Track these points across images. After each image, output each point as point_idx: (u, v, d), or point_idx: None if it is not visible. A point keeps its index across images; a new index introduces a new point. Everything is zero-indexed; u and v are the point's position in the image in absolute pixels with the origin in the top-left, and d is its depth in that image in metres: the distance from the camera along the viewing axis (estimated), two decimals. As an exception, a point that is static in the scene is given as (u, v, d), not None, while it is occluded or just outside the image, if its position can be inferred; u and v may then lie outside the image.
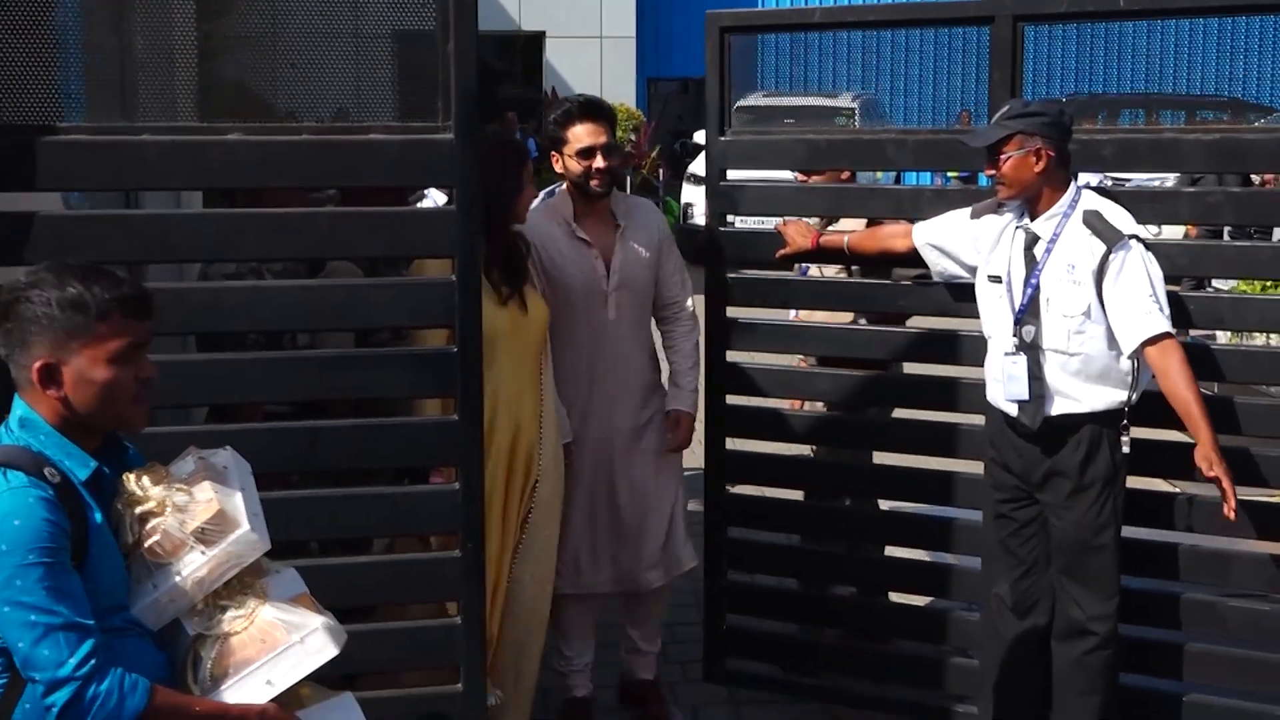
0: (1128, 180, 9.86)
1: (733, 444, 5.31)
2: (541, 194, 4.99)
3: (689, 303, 5.10)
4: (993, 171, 4.39)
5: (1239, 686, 4.70)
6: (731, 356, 5.25)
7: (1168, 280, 4.34)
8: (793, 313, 5.71)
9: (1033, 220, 4.41)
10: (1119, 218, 4.32)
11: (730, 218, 5.26)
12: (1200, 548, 4.69)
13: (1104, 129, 4.94)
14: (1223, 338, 7.32)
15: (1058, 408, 4.35)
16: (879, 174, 8.74)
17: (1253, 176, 11.53)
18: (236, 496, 2.76)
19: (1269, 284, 7.60)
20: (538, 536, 4.58)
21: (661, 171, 22.76)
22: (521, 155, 4.65)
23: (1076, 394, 4.34)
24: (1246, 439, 4.58)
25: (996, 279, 4.47)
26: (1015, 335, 4.38)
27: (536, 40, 26.32)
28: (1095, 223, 4.29)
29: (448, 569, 3.88)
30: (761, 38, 4.92)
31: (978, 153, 4.51)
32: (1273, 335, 6.61)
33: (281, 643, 2.69)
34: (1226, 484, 4.09)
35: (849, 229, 5.21)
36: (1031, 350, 4.35)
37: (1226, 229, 11.67)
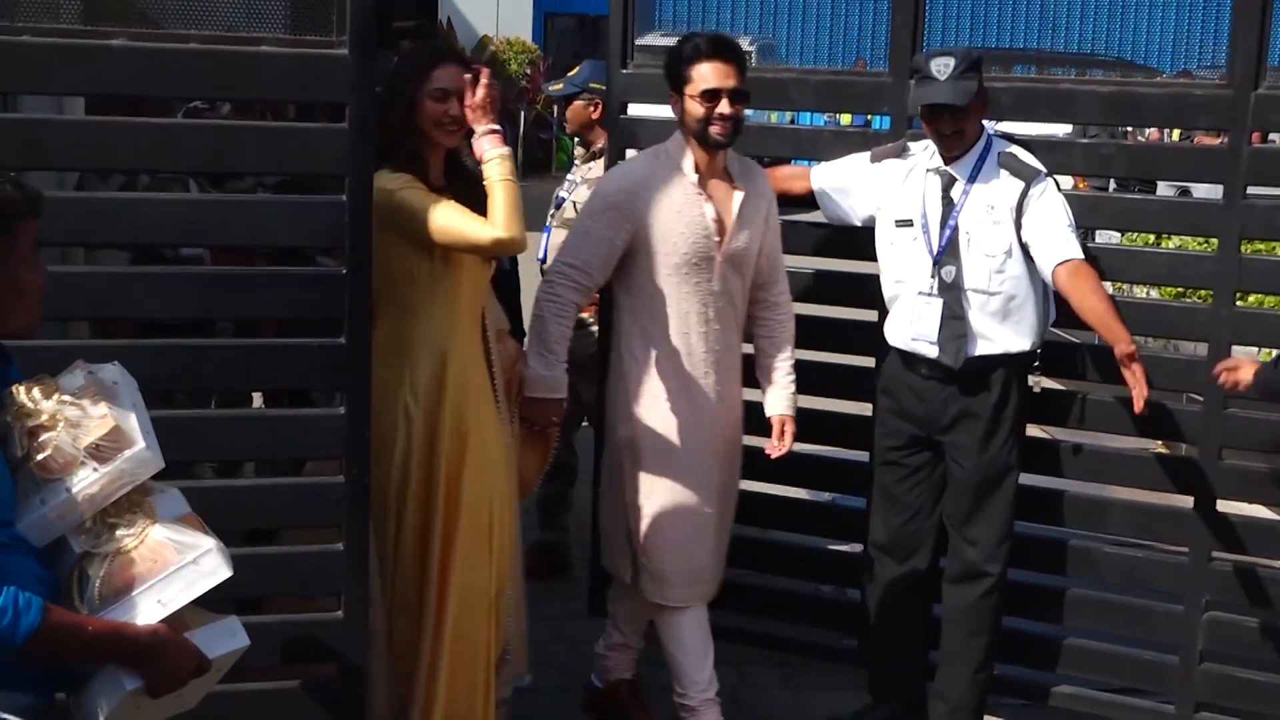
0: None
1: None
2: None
3: (787, 287, 4.65)
4: (956, 128, 4.37)
5: (1111, 630, 4.79)
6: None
7: None
8: None
9: (947, 163, 4.41)
10: (1031, 158, 4.37)
11: (630, 152, 5.19)
12: (1079, 495, 4.76)
13: (1003, 77, 4.94)
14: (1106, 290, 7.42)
15: (978, 349, 4.38)
16: (773, 115, 8.72)
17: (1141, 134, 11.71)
18: (130, 414, 2.68)
19: (1151, 238, 7.71)
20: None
21: (556, 108, 22.58)
22: (436, 54, 4.18)
23: (994, 335, 4.38)
24: (1122, 388, 4.63)
25: (907, 222, 4.47)
26: (933, 276, 4.39)
27: (433, -31, 25.92)
28: (1011, 163, 4.35)
29: (331, 494, 3.79)
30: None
31: (873, 93, 4.52)
32: (1153, 288, 6.72)
33: (173, 563, 2.61)
34: (1141, 381, 4.17)
35: None
36: (952, 291, 4.37)
37: (1112, 183, 11.88)
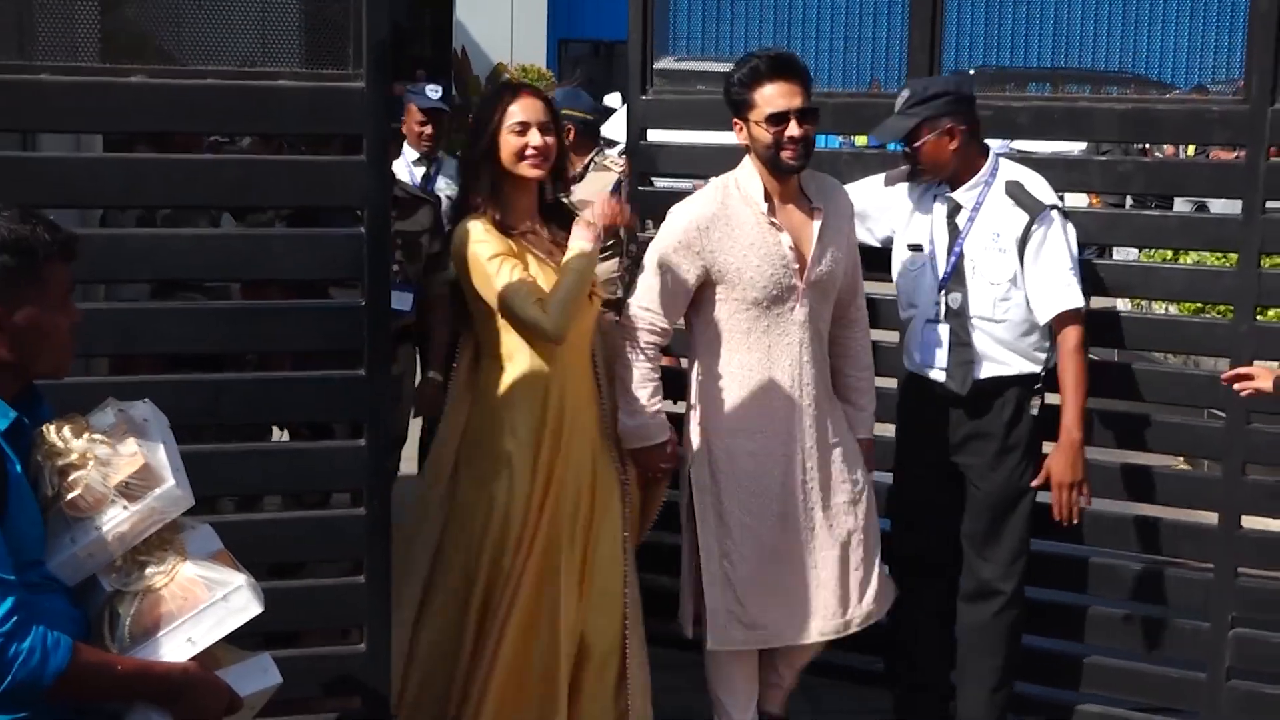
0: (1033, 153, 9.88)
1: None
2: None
3: (864, 302, 4.48)
4: (911, 162, 4.40)
5: (1136, 648, 4.75)
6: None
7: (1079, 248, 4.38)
8: None
9: (953, 190, 4.40)
10: (1039, 187, 4.34)
11: (657, 181, 5.21)
12: (1102, 512, 4.73)
13: (1020, 96, 4.95)
14: (1123, 305, 7.40)
15: (985, 371, 4.36)
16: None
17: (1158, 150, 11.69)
18: (160, 450, 2.70)
19: (1169, 254, 7.69)
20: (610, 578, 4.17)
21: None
22: (514, 88, 4.12)
23: (1003, 358, 4.36)
24: (1147, 405, 4.63)
25: (918, 247, 4.46)
26: (938, 303, 4.38)
27: (446, -1, 26.03)
28: (1017, 193, 4.31)
29: (351, 527, 3.79)
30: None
31: (889, 115, 4.51)
32: (1171, 304, 6.70)
33: (203, 600, 2.63)
34: (1066, 504, 4.24)
35: None
36: (958, 317, 4.35)
37: (1129, 199, 11.85)
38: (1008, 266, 4.30)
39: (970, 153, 4.37)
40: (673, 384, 4.44)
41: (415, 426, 5.75)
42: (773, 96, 4.02)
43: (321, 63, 3.84)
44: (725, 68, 4.33)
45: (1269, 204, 4.41)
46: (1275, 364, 5.52)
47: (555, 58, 27.14)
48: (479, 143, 3.99)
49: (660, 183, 5.54)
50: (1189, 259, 7.20)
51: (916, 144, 4.34)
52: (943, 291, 4.38)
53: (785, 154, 4.04)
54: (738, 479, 4.21)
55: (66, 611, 2.59)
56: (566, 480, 4.00)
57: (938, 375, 4.42)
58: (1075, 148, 8.64)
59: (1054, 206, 4.30)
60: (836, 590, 4.30)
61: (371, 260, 3.67)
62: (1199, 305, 6.13)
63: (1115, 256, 8.48)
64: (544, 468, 3.97)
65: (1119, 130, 4.72)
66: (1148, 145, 11.65)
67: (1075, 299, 4.25)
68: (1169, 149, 13.46)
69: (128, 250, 3.74)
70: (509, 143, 3.95)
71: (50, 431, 2.63)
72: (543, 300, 3.84)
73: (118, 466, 2.62)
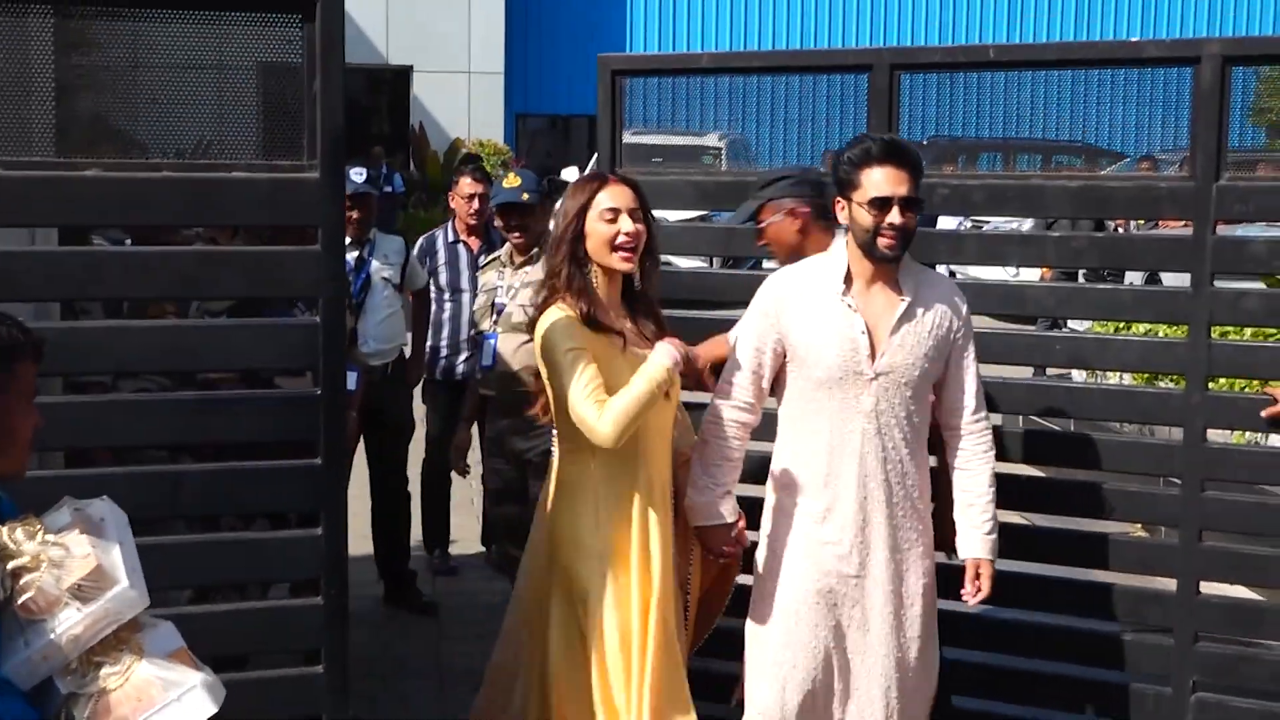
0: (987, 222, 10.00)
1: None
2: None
3: (986, 412, 4.16)
4: (761, 241, 4.56)
5: (1101, 714, 4.77)
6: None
7: (1032, 319, 4.45)
8: None
9: None
10: None
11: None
12: (1062, 579, 4.75)
13: (974, 175, 5.03)
14: (1079, 375, 7.47)
15: None
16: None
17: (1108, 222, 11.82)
18: (115, 551, 2.67)
19: (1121, 326, 7.77)
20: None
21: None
22: (602, 176, 4.07)
23: None
24: (1102, 474, 4.67)
25: None
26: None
27: (404, 75, 26.21)
28: None
29: (310, 617, 3.78)
30: (634, 78, 4.93)
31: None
32: (1125, 375, 6.77)
33: (158, 701, 2.60)
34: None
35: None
36: None
37: (1081, 272, 11.97)
38: None
39: (816, 233, 4.46)
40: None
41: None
42: (880, 181, 3.87)
43: (277, 153, 3.87)
44: (681, 140, 4.41)
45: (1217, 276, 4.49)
46: (1229, 433, 5.60)
47: (513, 133, 27.33)
48: (564, 230, 3.91)
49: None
50: (1140, 329, 7.28)
51: (761, 224, 4.50)
52: None
53: (883, 240, 3.87)
54: (777, 572, 4.05)
55: (24, 714, 2.56)
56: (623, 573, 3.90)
57: None
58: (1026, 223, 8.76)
59: None
60: None
61: (326, 349, 3.68)
62: (1150, 376, 6.20)
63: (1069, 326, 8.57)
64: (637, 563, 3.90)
65: (1071, 206, 4.79)
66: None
67: None
68: (1120, 222, 13.66)
69: (84, 343, 3.73)
70: (598, 231, 3.87)
71: (3, 534, 2.61)
72: (602, 402, 3.76)
73: (70, 568, 2.60)
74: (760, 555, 4.14)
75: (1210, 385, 4.63)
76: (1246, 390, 6.86)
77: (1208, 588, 4.60)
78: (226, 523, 4.23)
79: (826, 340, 3.93)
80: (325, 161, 3.67)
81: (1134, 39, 5.02)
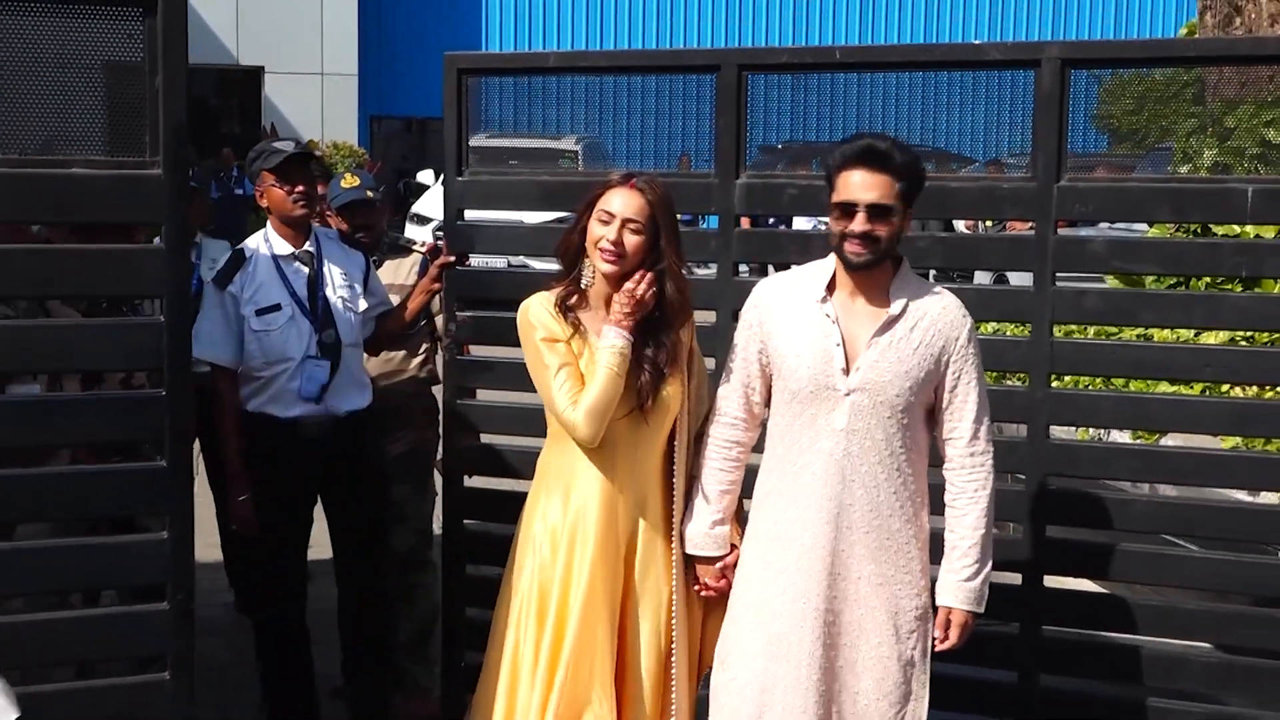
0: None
1: (472, 481, 5.28)
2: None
3: (987, 444, 3.78)
4: None
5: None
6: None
7: None
8: None
9: None
10: None
11: (473, 259, 5.23)
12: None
13: (821, 176, 5.07)
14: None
15: None
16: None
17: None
18: None
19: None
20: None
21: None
22: (626, 179, 3.90)
23: None
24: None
25: None
26: None
27: (255, 75, 25.84)
28: None
29: (156, 621, 3.71)
30: (487, 79, 4.87)
31: (701, 194, 4.60)
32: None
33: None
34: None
35: None
36: None
37: (931, 273, 12.22)
38: None
39: None
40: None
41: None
42: (846, 185, 3.67)
43: (120, 151, 3.80)
44: (537, 143, 4.39)
45: (1059, 275, 4.61)
46: (1073, 428, 5.75)
47: (367, 134, 27.10)
48: (573, 223, 3.89)
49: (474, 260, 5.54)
50: (989, 329, 7.44)
51: None
52: None
53: (849, 247, 3.64)
54: (743, 595, 3.82)
55: None
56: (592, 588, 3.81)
57: None
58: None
59: None
60: None
61: (171, 349, 3.62)
62: (998, 374, 6.34)
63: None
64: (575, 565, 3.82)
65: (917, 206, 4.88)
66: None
67: None
68: (968, 222, 13.98)
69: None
70: (592, 229, 3.82)
71: None
72: (573, 398, 3.73)
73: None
74: (736, 577, 3.91)
75: (1053, 382, 4.76)
76: (1089, 387, 7.07)
77: (1051, 581, 4.73)
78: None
79: (800, 350, 3.71)
80: (168, 158, 3.61)
81: (978, 42, 5.13)
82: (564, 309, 3.83)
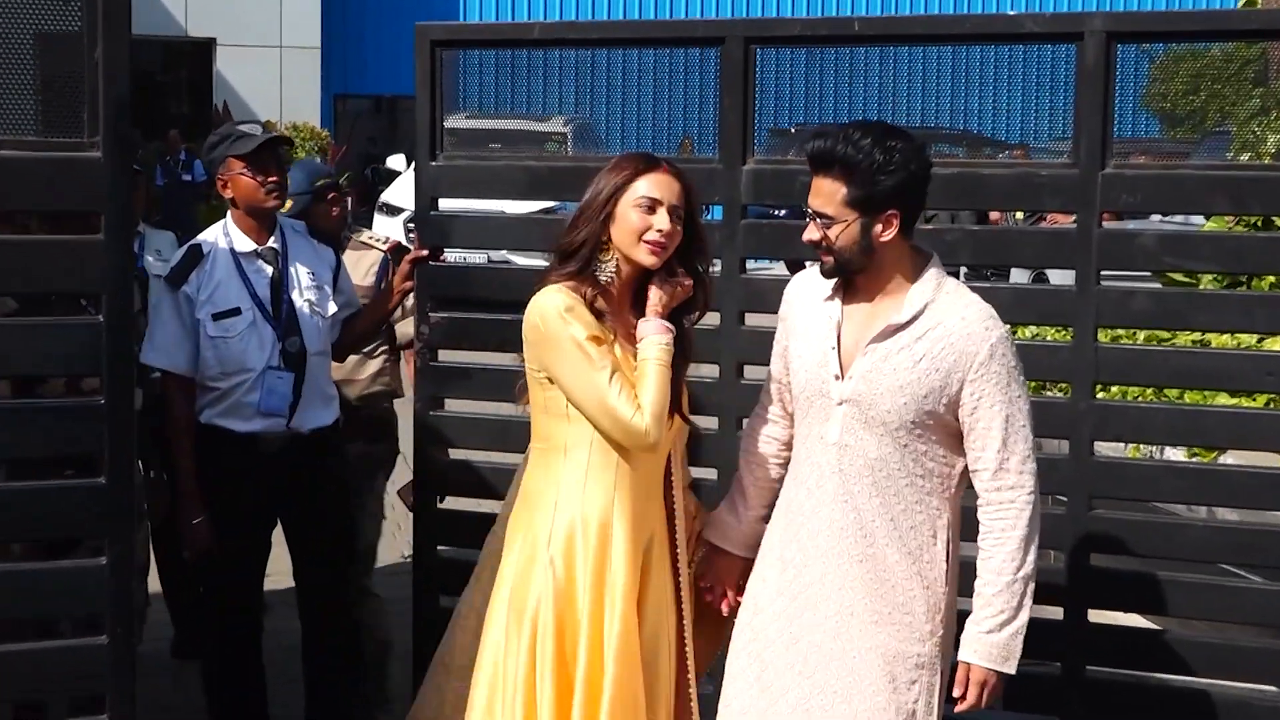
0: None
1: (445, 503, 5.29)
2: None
3: (1026, 476, 3.64)
4: None
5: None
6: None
7: None
8: None
9: None
10: None
11: (449, 254, 5.22)
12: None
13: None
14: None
15: None
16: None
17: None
18: None
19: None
20: None
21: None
22: (650, 160, 3.86)
23: None
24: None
25: None
26: None
27: (205, 48, 25.86)
28: None
29: (94, 656, 3.71)
30: (465, 53, 4.82)
31: (703, 181, 4.60)
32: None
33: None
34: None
35: None
36: None
37: (963, 270, 12.23)
38: None
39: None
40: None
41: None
42: (817, 187, 3.64)
43: (55, 131, 3.80)
44: (521, 125, 4.38)
45: (1105, 273, 4.59)
46: (1122, 445, 5.75)
47: (331, 115, 27.12)
48: (593, 208, 3.78)
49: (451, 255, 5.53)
50: (1027, 333, 7.45)
51: None
52: None
53: (822, 257, 3.66)
54: (745, 614, 3.84)
55: None
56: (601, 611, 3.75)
57: None
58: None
59: None
60: None
61: (111, 352, 3.62)
62: (1036, 384, 6.35)
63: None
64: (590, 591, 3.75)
65: (944, 196, 4.86)
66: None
67: None
68: (996, 215, 13.92)
69: None
70: (628, 219, 3.72)
71: None
72: (633, 400, 3.65)
73: None
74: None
75: (1098, 393, 4.76)
76: (1138, 399, 7.07)
77: (1095, 616, 4.72)
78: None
79: (803, 351, 3.73)
80: (108, 138, 3.61)
81: (1012, 13, 5.13)
82: (594, 312, 3.74)
